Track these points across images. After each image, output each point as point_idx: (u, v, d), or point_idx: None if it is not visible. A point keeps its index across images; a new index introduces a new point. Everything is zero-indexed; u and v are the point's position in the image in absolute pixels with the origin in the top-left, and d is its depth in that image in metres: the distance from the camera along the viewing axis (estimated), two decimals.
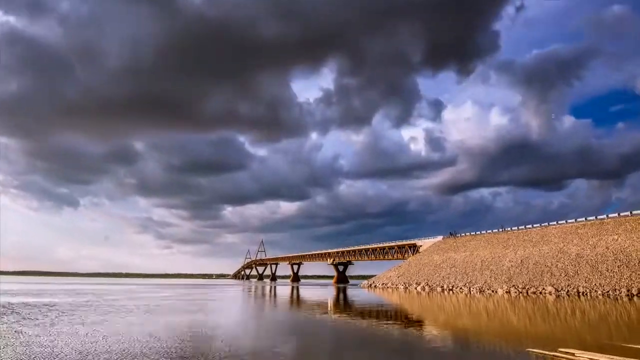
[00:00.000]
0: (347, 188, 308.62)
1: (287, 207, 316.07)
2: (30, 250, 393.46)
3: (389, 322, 19.21)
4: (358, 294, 51.15)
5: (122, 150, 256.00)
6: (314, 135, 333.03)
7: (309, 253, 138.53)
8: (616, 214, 48.83)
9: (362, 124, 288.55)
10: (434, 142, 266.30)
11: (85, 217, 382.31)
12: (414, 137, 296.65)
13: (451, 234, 76.45)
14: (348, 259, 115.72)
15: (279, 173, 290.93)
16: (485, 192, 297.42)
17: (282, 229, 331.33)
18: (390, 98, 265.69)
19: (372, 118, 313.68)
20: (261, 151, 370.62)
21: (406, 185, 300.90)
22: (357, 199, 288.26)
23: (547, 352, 10.08)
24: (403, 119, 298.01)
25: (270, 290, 60.33)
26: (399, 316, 22.96)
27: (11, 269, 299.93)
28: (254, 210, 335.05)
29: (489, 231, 67.15)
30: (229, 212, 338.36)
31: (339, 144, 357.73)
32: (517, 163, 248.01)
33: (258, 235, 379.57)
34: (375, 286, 71.15)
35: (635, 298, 32.41)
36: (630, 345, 10.94)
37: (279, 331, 16.35)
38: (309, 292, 55.78)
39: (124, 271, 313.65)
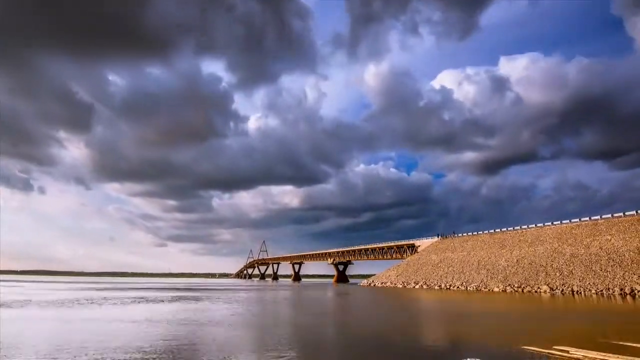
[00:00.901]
0: (360, 169, 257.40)
1: (288, 198, 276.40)
2: (18, 246, 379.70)
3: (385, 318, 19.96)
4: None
5: (62, 103, 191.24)
6: (322, 71, 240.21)
7: (310, 253, 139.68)
8: (610, 215, 50.12)
9: (392, 48, 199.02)
10: (496, 85, 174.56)
11: (59, 207, 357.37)
12: (470, 77, 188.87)
13: (448, 234, 77.77)
14: (348, 259, 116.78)
15: (274, 142, 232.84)
16: (530, 168, 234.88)
17: (283, 224, 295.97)
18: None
19: (409, 39, 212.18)
20: (248, 105, 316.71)
21: (439, 162, 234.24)
22: (371, 185, 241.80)
23: (542, 350, 10.30)
24: (457, 40, 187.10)
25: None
26: (397, 313, 23.61)
27: (14, 269, 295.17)
28: (248, 199, 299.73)
29: (485, 232, 68.46)
30: (218, 203, 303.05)
31: (354, 95, 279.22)
32: (591, 123, 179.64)
33: (256, 232, 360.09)
34: (374, 285, 72.14)
35: (628, 297, 33.48)
36: (623, 343, 11.20)
37: None
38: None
39: (128, 270, 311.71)
